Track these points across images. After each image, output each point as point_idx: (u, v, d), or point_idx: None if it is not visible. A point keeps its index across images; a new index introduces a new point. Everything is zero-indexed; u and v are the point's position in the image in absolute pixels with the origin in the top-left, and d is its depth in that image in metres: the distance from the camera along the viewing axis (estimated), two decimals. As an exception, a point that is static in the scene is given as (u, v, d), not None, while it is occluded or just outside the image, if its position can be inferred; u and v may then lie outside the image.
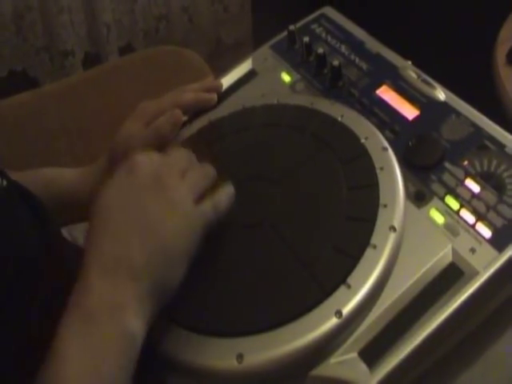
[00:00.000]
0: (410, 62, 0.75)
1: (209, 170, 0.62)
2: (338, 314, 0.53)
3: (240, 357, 0.53)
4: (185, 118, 0.74)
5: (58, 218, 0.80)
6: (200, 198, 0.58)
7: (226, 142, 0.70)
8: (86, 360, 0.49)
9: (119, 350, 0.50)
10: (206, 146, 0.70)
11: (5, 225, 0.58)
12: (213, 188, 0.61)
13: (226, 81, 0.79)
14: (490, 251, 0.56)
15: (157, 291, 0.53)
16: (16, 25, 1.90)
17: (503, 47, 1.19)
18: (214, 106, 0.77)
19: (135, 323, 0.51)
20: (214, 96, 0.77)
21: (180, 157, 0.61)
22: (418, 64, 0.75)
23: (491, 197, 0.59)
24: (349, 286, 0.55)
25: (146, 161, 0.58)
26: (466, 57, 1.50)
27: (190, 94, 0.77)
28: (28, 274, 0.57)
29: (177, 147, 0.63)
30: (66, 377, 0.48)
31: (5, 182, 0.63)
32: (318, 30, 0.80)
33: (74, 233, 0.82)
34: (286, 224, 0.61)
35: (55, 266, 0.61)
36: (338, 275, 0.56)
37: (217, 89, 0.78)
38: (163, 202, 0.56)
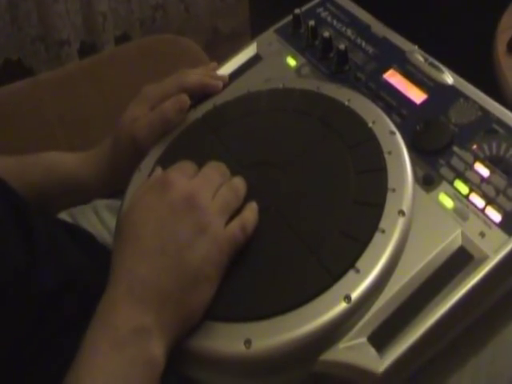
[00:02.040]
0: (416, 47, 0.74)
1: (240, 187, 0.61)
2: (347, 298, 0.53)
3: (248, 342, 0.52)
4: (190, 103, 0.73)
5: (58, 202, 0.79)
6: (230, 218, 0.58)
7: (232, 127, 0.69)
8: (110, 381, 0.49)
9: (142, 374, 0.50)
10: (211, 130, 0.70)
11: None
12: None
13: (231, 65, 0.78)
14: (500, 235, 0.56)
15: (182, 318, 0.53)
16: (11, 14, 1.89)
17: (504, 36, 1.18)
18: (220, 91, 0.76)
19: (159, 349, 0.51)
20: (220, 83, 0.75)
21: (213, 173, 0.60)
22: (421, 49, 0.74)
23: (500, 181, 0.59)
24: (357, 271, 0.54)
25: (179, 179, 0.58)
26: (466, 46, 1.49)
27: (196, 76, 0.76)
28: (17, 282, 0.57)
29: (211, 162, 0.62)
30: None
31: None
32: (324, 14, 0.79)
33: (75, 214, 0.81)
34: (293, 209, 0.60)
35: (42, 265, 0.60)
36: (347, 260, 0.55)
37: (223, 79, 0.77)
38: (193, 224, 0.55)
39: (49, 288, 0.59)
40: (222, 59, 0.81)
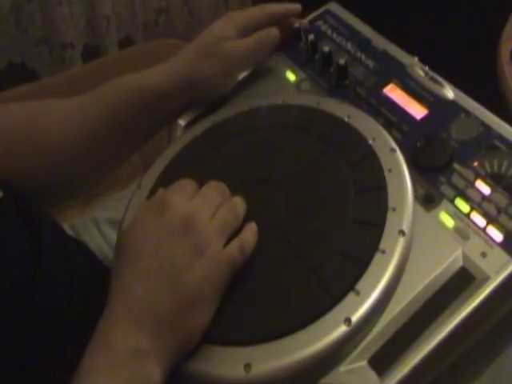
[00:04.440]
0: (416, 58, 0.73)
1: (240, 208, 0.60)
2: (347, 321, 0.52)
3: (248, 366, 0.52)
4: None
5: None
6: (229, 238, 0.57)
7: (231, 144, 0.69)
8: None
9: None
10: (210, 148, 0.69)
11: None
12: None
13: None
14: (502, 255, 0.55)
15: (179, 340, 0.53)
16: (15, 17, 1.89)
17: (508, 44, 1.17)
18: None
19: (156, 371, 0.51)
20: (299, 6, 0.78)
21: (212, 194, 0.60)
22: (421, 61, 0.73)
23: (502, 199, 0.58)
24: (358, 293, 0.54)
25: (177, 200, 0.57)
26: (470, 54, 1.49)
27: (277, 5, 0.78)
28: (19, 294, 0.56)
29: (211, 182, 0.61)
30: None
31: (1, 194, 0.62)
32: (324, 27, 0.79)
33: (77, 228, 0.81)
34: (293, 228, 0.60)
35: (48, 281, 0.60)
36: (347, 282, 0.55)
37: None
38: (191, 246, 0.54)
39: (51, 303, 0.59)
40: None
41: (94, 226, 0.81)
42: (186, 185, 0.61)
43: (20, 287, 0.57)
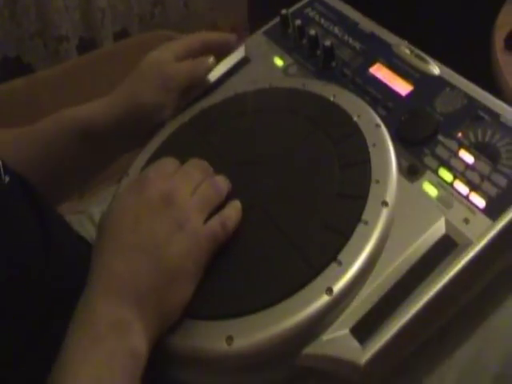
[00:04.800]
0: (406, 42, 0.73)
1: (222, 184, 0.60)
2: (329, 291, 0.52)
3: (230, 339, 0.52)
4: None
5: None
6: (210, 215, 0.57)
7: (219, 129, 0.70)
8: (93, 376, 0.49)
9: (124, 366, 0.50)
10: (198, 134, 0.70)
11: (5, 227, 0.57)
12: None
13: (219, 69, 0.78)
14: (484, 220, 0.55)
15: (161, 314, 0.53)
16: (9, 10, 1.89)
17: (501, 32, 1.17)
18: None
19: (139, 342, 0.51)
20: (234, 36, 0.80)
21: (193, 170, 0.60)
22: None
23: (485, 167, 0.58)
24: (339, 263, 0.54)
25: (157, 177, 0.58)
26: (463, 43, 1.47)
27: (216, 33, 0.79)
28: (28, 278, 0.57)
29: (192, 160, 0.62)
30: None
31: (7, 179, 0.62)
32: (312, 14, 0.79)
33: (72, 223, 0.81)
34: (278, 206, 0.60)
35: (55, 265, 0.60)
36: (329, 252, 0.54)
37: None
38: (171, 222, 0.55)
39: (59, 291, 0.59)
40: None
41: (90, 221, 0.81)
42: (167, 162, 0.61)
43: (31, 272, 0.57)
